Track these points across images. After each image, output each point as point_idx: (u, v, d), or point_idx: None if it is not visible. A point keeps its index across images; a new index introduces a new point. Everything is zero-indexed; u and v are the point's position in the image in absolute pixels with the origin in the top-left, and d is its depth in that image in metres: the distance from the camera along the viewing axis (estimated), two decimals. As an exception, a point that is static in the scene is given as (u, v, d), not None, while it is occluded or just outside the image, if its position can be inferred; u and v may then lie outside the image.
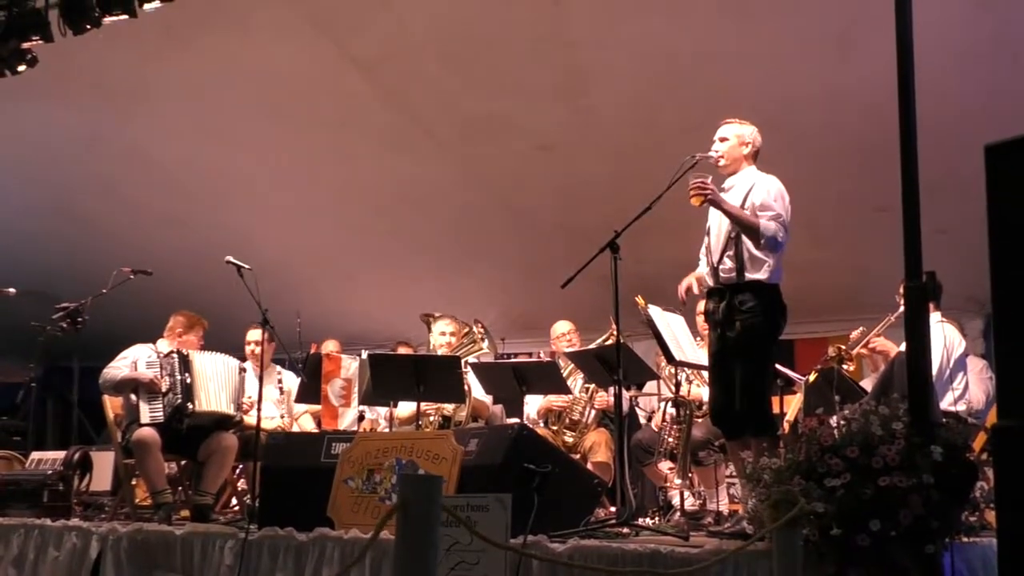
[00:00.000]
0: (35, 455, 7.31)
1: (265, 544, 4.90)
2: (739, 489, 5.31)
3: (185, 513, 6.28)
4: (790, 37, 6.49)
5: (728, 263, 4.77)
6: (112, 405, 6.50)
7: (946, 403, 5.62)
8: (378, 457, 4.95)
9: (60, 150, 8.50)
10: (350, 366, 6.74)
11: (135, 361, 6.25)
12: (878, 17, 4.45)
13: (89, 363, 7.11)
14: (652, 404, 6.83)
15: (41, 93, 7.56)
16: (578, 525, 4.62)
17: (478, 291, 9.23)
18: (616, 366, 5.27)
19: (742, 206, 4.73)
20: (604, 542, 4.28)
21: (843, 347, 6.23)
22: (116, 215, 9.20)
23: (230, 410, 6.32)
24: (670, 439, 6.08)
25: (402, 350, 8.01)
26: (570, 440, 6.59)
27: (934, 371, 4.48)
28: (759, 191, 4.75)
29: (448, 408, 6.64)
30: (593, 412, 6.66)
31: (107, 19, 6.21)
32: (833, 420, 3.86)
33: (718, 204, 4.69)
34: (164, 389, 6.15)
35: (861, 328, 6.39)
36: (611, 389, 6.04)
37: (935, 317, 5.61)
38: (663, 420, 6.22)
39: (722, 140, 4.93)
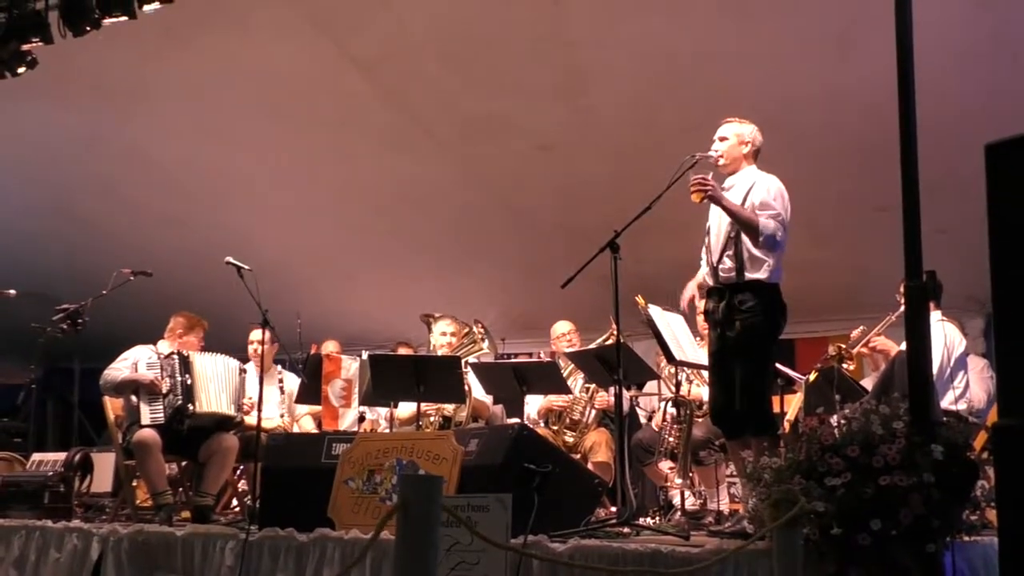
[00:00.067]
0: (36, 456, 7.32)
1: (266, 545, 4.90)
2: (740, 488, 5.31)
3: (186, 514, 6.28)
4: (790, 37, 6.49)
5: (728, 263, 4.77)
6: (113, 406, 6.50)
7: (947, 402, 5.63)
8: (378, 458, 4.94)
9: (60, 150, 8.50)
10: (350, 367, 6.74)
11: (135, 362, 6.25)
12: (878, 17, 4.44)
13: (89, 364, 7.13)
14: (652, 404, 6.83)
15: (41, 94, 7.56)
16: (578, 525, 4.62)
17: (478, 291, 9.23)
18: (616, 366, 5.27)
19: (742, 205, 4.73)
20: (605, 542, 4.28)
21: (843, 346, 6.23)
22: (116, 215, 9.20)
23: (231, 411, 6.32)
24: (670, 439, 6.08)
25: (402, 350, 8.02)
26: (570, 440, 6.59)
27: (935, 370, 4.48)
28: (759, 190, 4.75)
29: (448, 408, 6.64)
30: (593, 412, 6.66)
31: (107, 20, 6.21)
32: (834, 419, 3.86)
33: (718, 200, 4.68)
34: (165, 390, 6.15)
35: (862, 327, 6.39)
36: (611, 389, 6.04)
37: (935, 316, 5.61)
38: (663, 420, 6.22)
39: (722, 139, 4.93)
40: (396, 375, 6.03)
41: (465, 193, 8.39)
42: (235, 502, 7.19)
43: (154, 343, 6.47)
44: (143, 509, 6.39)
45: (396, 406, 6.67)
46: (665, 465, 6.17)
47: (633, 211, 4.89)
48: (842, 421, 3.80)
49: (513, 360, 7.59)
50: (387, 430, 6.64)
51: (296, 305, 7.41)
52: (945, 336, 5.87)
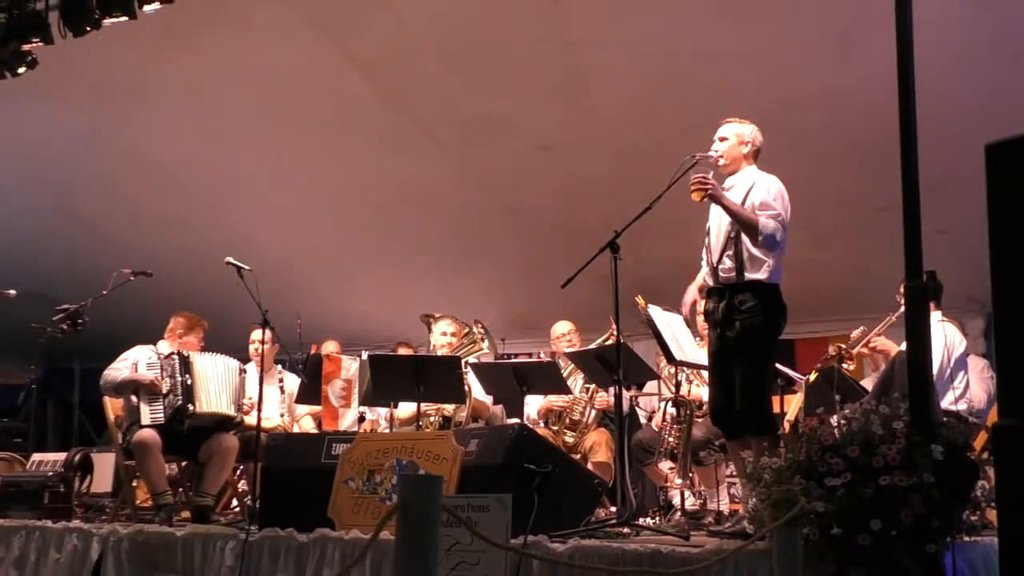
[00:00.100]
0: (36, 457, 7.32)
1: (266, 545, 4.90)
2: (739, 489, 5.31)
3: (186, 514, 6.28)
4: (790, 37, 6.49)
5: (728, 263, 4.77)
6: (113, 407, 6.50)
7: (947, 402, 5.62)
8: (378, 458, 4.94)
9: (60, 151, 8.50)
10: (350, 367, 6.74)
11: (136, 363, 6.25)
12: (878, 17, 4.44)
13: (90, 365, 7.13)
14: (652, 404, 6.83)
15: (41, 94, 7.56)
16: (578, 525, 4.62)
17: (478, 291, 9.23)
18: (616, 366, 5.27)
19: (742, 205, 4.73)
20: (605, 542, 4.28)
21: (843, 346, 6.23)
22: (116, 216, 9.20)
23: (231, 411, 6.32)
24: (670, 439, 6.08)
25: (402, 351, 8.02)
26: (570, 440, 6.59)
27: (935, 370, 4.48)
28: (759, 190, 4.75)
29: (448, 408, 6.64)
30: (593, 412, 6.66)
31: (107, 21, 6.21)
32: (834, 419, 3.86)
33: (718, 199, 4.68)
34: (165, 390, 6.15)
35: (862, 328, 6.39)
36: (611, 389, 6.04)
37: (936, 316, 5.61)
38: (663, 420, 6.22)
39: (722, 140, 4.93)
40: (396, 375, 6.03)
41: (465, 193, 8.39)
42: (235, 502, 7.19)
43: (154, 343, 6.47)
44: (143, 509, 6.40)
45: (396, 406, 6.67)
46: (665, 465, 6.17)
47: (633, 211, 4.89)
48: (842, 421, 3.80)
49: (513, 360, 7.59)
50: (387, 430, 6.64)
51: (296, 305, 7.41)
52: (945, 336, 5.87)
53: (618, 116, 7.36)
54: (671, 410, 6.12)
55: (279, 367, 7.32)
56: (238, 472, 7.05)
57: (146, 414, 6.10)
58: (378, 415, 7.15)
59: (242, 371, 6.46)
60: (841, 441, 3.65)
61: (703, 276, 5.04)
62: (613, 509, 5.51)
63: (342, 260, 9.50)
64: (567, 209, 8.24)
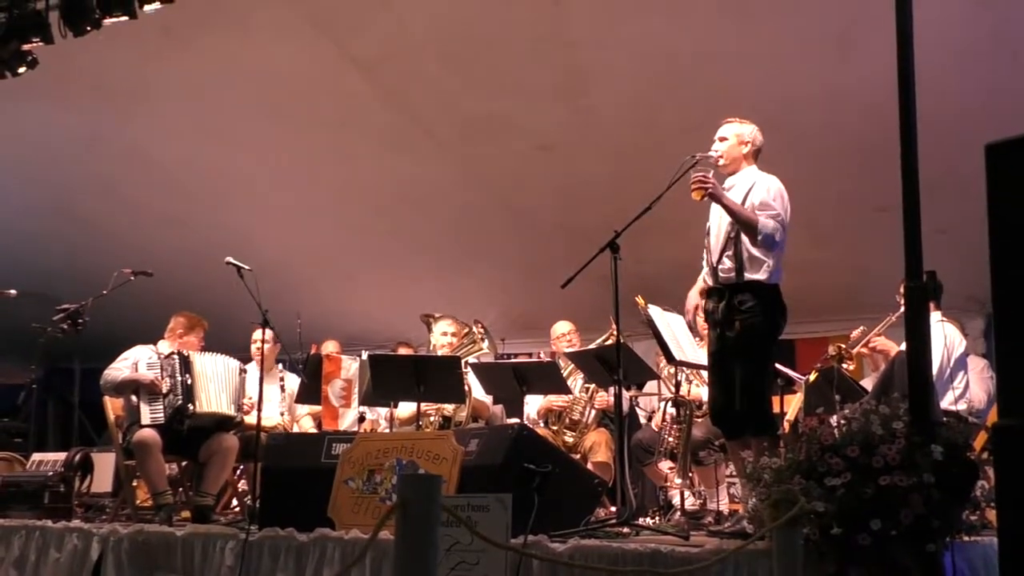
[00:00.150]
0: (36, 456, 7.32)
1: (266, 545, 4.90)
2: (739, 489, 5.31)
3: (186, 514, 6.28)
4: (790, 37, 6.49)
5: (727, 263, 4.77)
6: (113, 406, 6.50)
7: (947, 402, 5.62)
8: (378, 457, 4.95)
9: (60, 150, 8.50)
10: (350, 367, 6.74)
11: (136, 362, 6.26)
12: (878, 17, 4.45)
13: (90, 364, 7.13)
14: (652, 404, 6.83)
15: (41, 94, 7.57)
16: (578, 525, 4.62)
17: (478, 291, 9.23)
18: (616, 366, 5.27)
19: (742, 205, 4.73)
20: (604, 542, 4.28)
21: (843, 346, 6.23)
22: (116, 216, 9.20)
23: (231, 411, 6.32)
24: (670, 439, 6.08)
25: (402, 351, 8.02)
26: (570, 440, 6.59)
27: (935, 370, 4.48)
28: (759, 190, 4.75)
29: (448, 408, 6.65)
30: (593, 412, 6.66)
31: (107, 20, 6.21)
32: (833, 419, 3.86)
33: (718, 198, 4.69)
34: (165, 390, 6.15)
35: (862, 328, 6.39)
36: (611, 389, 6.05)
37: (935, 316, 5.61)
38: (663, 420, 6.22)
39: (721, 140, 4.93)
40: (396, 375, 6.03)
41: (465, 193, 8.39)
42: (235, 502, 7.19)
43: (154, 343, 6.47)
44: (143, 509, 6.40)
45: (396, 406, 6.67)
46: (665, 465, 6.17)
47: (633, 211, 4.89)
48: (842, 421, 3.80)
49: (513, 360, 7.59)
50: (387, 430, 6.64)
51: (296, 305, 7.41)
52: (945, 336, 5.87)
53: (618, 116, 7.36)
54: (671, 410, 6.12)
55: (280, 366, 7.32)
56: (238, 472, 7.05)
57: (146, 414, 6.10)
58: (378, 415, 7.15)
59: (242, 371, 6.46)
60: (841, 441, 3.65)
61: (703, 278, 5.04)
62: (613, 509, 5.51)
63: (342, 260, 9.50)
64: (567, 209, 8.24)
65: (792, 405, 6.14)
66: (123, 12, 6.18)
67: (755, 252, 4.69)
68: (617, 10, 6.60)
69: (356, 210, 8.83)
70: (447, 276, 9.34)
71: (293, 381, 7.18)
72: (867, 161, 6.75)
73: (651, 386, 6.75)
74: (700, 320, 5.69)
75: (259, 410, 5.92)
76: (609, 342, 5.88)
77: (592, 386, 6.57)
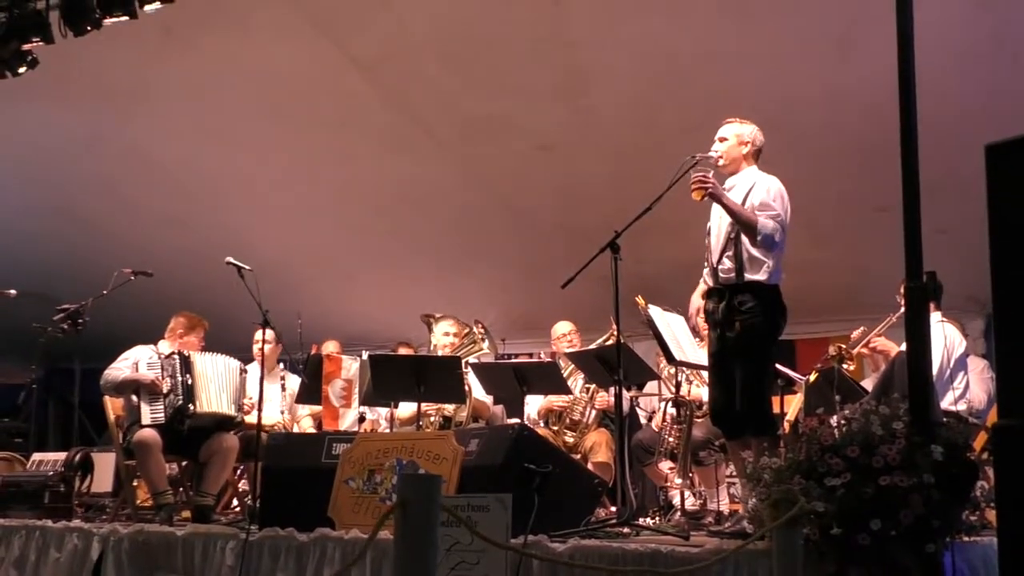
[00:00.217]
0: (36, 456, 7.32)
1: (266, 545, 4.90)
2: (739, 489, 5.31)
3: (186, 514, 6.28)
4: (790, 37, 6.49)
5: (727, 263, 4.77)
6: (113, 406, 6.50)
7: (947, 403, 5.63)
8: (379, 457, 4.95)
9: (60, 151, 8.50)
10: (351, 367, 6.75)
11: (136, 362, 6.26)
12: (878, 17, 4.45)
13: (90, 364, 7.13)
14: (652, 404, 6.83)
15: (41, 94, 7.57)
16: (579, 525, 4.62)
17: (478, 291, 9.23)
18: (616, 366, 5.27)
19: (742, 205, 4.73)
20: (605, 542, 4.28)
21: (844, 346, 6.23)
22: (116, 216, 9.20)
23: (231, 411, 6.33)
24: (670, 439, 6.09)
25: (403, 351, 8.02)
26: (571, 440, 6.59)
27: (935, 371, 4.48)
28: (759, 190, 4.75)
29: (449, 408, 6.65)
30: (594, 412, 6.66)
31: (107, 20, 6.22)
32: (833, 420, 3.86)
33: (719, 198, 4.69)
34: (165, 390, 6.15)
35: (862, 328, 6.39)
36: (611, 389, 6.05)
37: (936, 317, 5.61)
38: (663, 420, 6.22)
39: (722, 140, 4.93)
40: (396, 375, 6.04)
41: (465, 193, 8.39)
42: (235, 502, 7.19)
43: (155, 343, 6.47)
44: (143, 509, 6.40)
45: (396, 406, 6.67)
46: (665, 465, 6.17)
47: (633, 211, 4.89)
48: (842, 421, 3.80)
49: (513, 360, 7.60)
50: (387, 430, 6.64)
51: (296, 305, 7.42)
52: (945, 337, 5.87)
53: (618, 116, 7.36)
54: (671, 410, 6.12)
55: (281, 366, 7.32)
56: (238, 472, 7.05)
57: (147, 414, 6.10)
58: (378, 415, 7.16)
59: (243, 371, 6.46)
60: (841, 441, 3.65)
61: (704, 279, 5.04)
62: (613, 509, 5.51)
63: (342, 260, 9.50)
64: (567, 209, 8.24)
65: (792, 405, 6.15)
66: (123, 12, 6.18)
67: (755, 252, 4.69)
68: (617, 10, 6.60)
69: (356, 210, 8.83)
70: (447, 276, 9.34)
71: (294, 381, 7.18)
72: (867, 161, 6.75)
73: (651, 386, 6.75)
74: (700, 320, 5.70)
75: (259, 410, 5.92)
76: (609, 342, 5.88)
77: (592, 386, 6.57)
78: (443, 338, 6.79)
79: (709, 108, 5.59)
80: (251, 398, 6.37)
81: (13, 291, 7.84)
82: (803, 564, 3.44)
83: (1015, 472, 3.01)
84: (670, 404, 6.14)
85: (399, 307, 9.13)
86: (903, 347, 4.20)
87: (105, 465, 7.29)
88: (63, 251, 9.60)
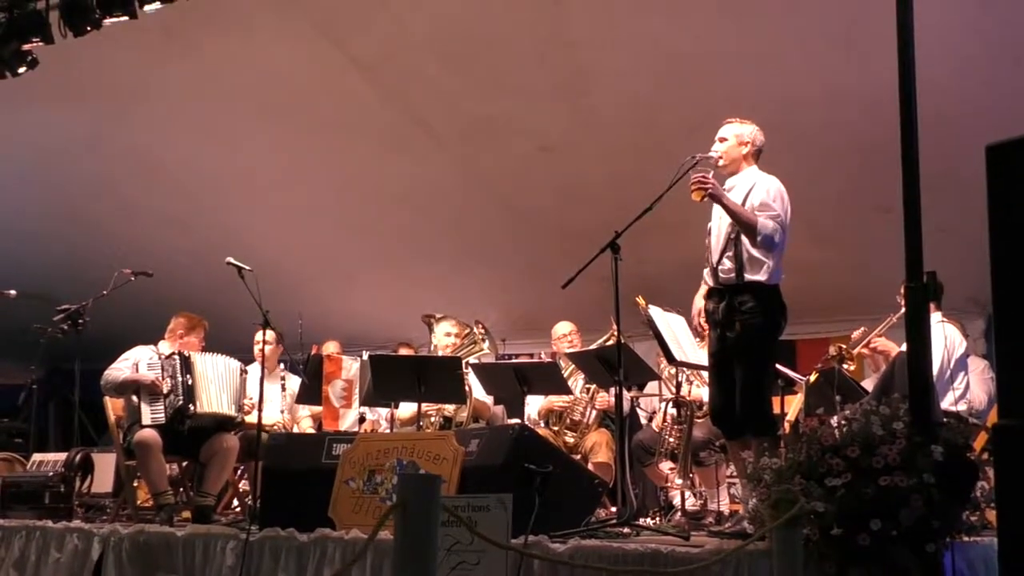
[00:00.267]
0: (37, 457, 7.32)
1: (266, 545, 4.90)
2: (740, 489, 5.31)
3: (187, 514, 6.28)
4: (791, 37, 6.49)
5: (727, 264, 4.77)
6: (113, 407, 6.50)
7: (947, 403, 5.63)
8: (379, 458, 4.95)
9: (61, 151, 8.50)
10: (351, 367, 6.75)
11: (136, 363, 6.25)
12: (879, 17, 4.45)
13: (90, 365, 7.12)
14: (653, 404, 6.83)
15: (41, 95, 7.57)
16: (579, 525, 4.62)
17: (479, 292, 9.23)
18: (617, 366, 5.27)
19: (743, 206, 4.73)
20: (605, 542, 4.28)
21: (844, 346, 6.23)
22: (116, 216, 9.20)
23: (231, 411, 6.33)
24: (671, 439, 6.09)
25: (403, 351, 8.03)
26: (571, 440, 6.59)
27: (935, 371, 4.48)
28: (759, 191, 4.75)
29: (449, 409, 6.65)
30: (594, 413, 6.65)
31: (107, 21, 6.22)
32: (834, 420, 3.86)
33: (718, 198, 4.68)
34: (165, 391, 6.15)
35: (862, 328, 6.39)
36: (612, 389, 6.05)
37: (936, 317, 5.61)
38: (664, 420, 6.22)
39: (722, 140, 4.93)
40: (397, 375, 6.04)
41: (465, 193, 8.39)
42: (236, 502, 7.20)
43: (155, 343, 6.47)
44: (144, 509, 6.40)
45: (397, 406, 6.67)
46: (665, 466, 6.17)
47: (633, 211, 4.89)
48: (842, 422, 3.80)
49: (514, 361, 7.60)
50: (388, 430, 6.64)
51: (297, 305, 7.42)
52: (946, 337, 5.87)
53: (618, 116, 7.36)
54: (671, 411, 6.12)
55: (282, 366, 7.32)
56: (239, 472, 7.05)
57: (147, 414, 6.10)
58: (379, 415, 7.16)
59: (243, 371, 6.46)
60: (841, 441, 3.65)
61: (706, 280, 5.04)
62: (613, 509, 5.51)
63: (342, 260, 9.50)
64: (567, 209, 8.23)
65: (793, 405, 6.15)
66: (123, 12, 6.18)
67: (755, 253, 4.68)
68: (617, 10, 6.60)
69: (356, 210, 8.83)
70: (448, 276, 9.34)
71: (294, 382, 7.18)
72: (868, 161, 6.75)
73: (652, 387, 6.75)
74: (703, 322, 5.70)
75: (260, 410, 5.92)
76: (610, 342, 5.88)
77: (593, 386, 6.56)
78: (445, 339, 6.79)
79: (709, 108, 5.59)
80: (251, 398, 6.37)
81: (13, 291, 7.85)
82: (803, 564, 3.44)
83: (1015, 472, 3.00)
84: (670, 404, 6.14)
85: (399, 307, 9.14)
86: (903, 347, 4.20)
87: (105, 465, 7.29)
88: (63, 251, 9.60)
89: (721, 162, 4.88)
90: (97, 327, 7.16)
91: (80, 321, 7.02)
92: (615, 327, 5.28)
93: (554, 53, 6.98)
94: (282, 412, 7.04)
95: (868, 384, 6.09)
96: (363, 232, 9.15)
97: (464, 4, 6.78)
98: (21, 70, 6.61)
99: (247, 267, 5.98)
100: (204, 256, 8.04)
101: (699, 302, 5.23)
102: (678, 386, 5.99)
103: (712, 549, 3.97)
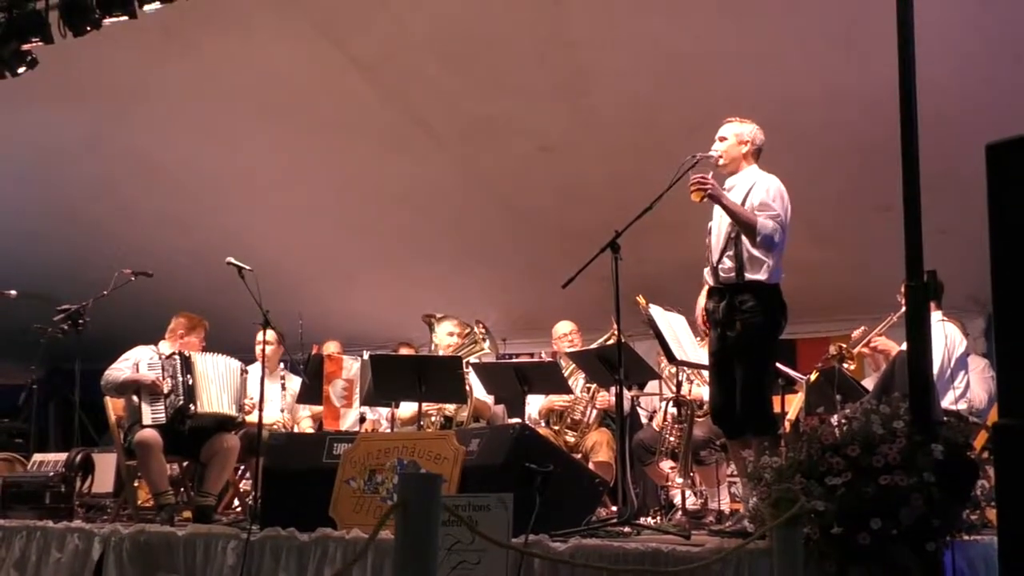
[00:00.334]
0: (37, 457, 7.32)
1: (267, 544, 4.90)
2: (740, 488, 5.32)
3: (187, 514, 6.28)
4: (791, 37, 6.49)
5: (728, 263, 4.78)
6: (114, 407, 6.50)
7: (947, 402, 5.63)
8: (380, 457, 4.95)
9: (60, 151, 8.51)
10: (352, 367, 6.76)
11: (137, 363, 6.25)
12: (879, 17, 4.45)
13: (91, 365, 7.12)
14: (653, 404, 6.84)
15: (41, 95, 7.57)
16: (580, 524, 4.62)
17: (479, 291, 9.23)
18: (617, 366, 5.27)
19: (742, 205, 4.73)
20: (605, 541, 4.28)
21: (844, 346, 6.23)
22: (116, 216, 9.20)
23: (232, 411, 6.33)
24: (671, 438, 6.09)
25: (404, 351, 8.02)
26: (572, 440, 6.59)
27: (935, 370, 4.48)
28: (759, 190, 4.75)
29: (450, 408, 6.65)
30: (594, 412, 6.66)
31: (107, 20, 6.22)
32: (834, 419, 3.86)
33: (718, 199, 4.69)
34: (166, 391, 6.15)
35: (863, 327, 6.39)
36: (612, 389, 6.05)
37: (936, 316, 5.61)
38: (664, 420, 6.23)
39: (721, 140, 4.93)
40: (397, 375, 6.04)
41: (466, 193, 8.39)
42: (237, 502, 7.20)
43: (155, 343, 6.47)
44: (144, 509, 6.40)
45: (397, 406, 6.67)
46: (666, 465, 6.18)
47: (634, 211, 4.90)
48: (843, 421, 3.80)
49: (514, 360, 7.60)
50: (388, 430, 6.64)
51: (297, 305, 7.42)
52: (946, 336, 5.87)
53: (618, 116, 7.36)
54: (672, 410, 6.13)
55: (282, 366, 7.32)
56: (239, 472, 7.05)
57: (147, 414, 6.10)
58: (379, 415, 7.16)
59: (243, 371, 6.46)
60: (842, 440, 3.66)
61: (705, 279, 5.04)
62: (614, 508, 5.51)
63: (342, 260, 9.50)
64: (567, 209, 8.23)
65: (793, 405, 6.15)
66: (123, 12, 6.18)
67: (755, 252, 4.68)
68: (617, 10, 6.60)
69: (356, 210, 8.83)
70: (448, 276, 9.34)
71: (295, 382, 7.19)
72: (868, 161, 6.75)
73: (652, 386, 6.75)
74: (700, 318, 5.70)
75: (260, 410, 5.92)
76: (610, 342, 5.89)
77: (593, 386, 6.57)
78: (446, 338, 6.79)
79: (709, 108, 5.59)
80: (252, 398, 6.37)
81: (14, 292, 7.85)
82: (804, 563, 3.44)
83: (1015, 471, 3.01)
84: (671, 403, 6.14)
85: (400, 307, 9.14)
86: (904, 346, 4.20)
87: (106, 465, 7.29)
88: (63, 252, 9.60)
89: (721, 161, 4.89)
90: (97, 327, 7.16)
91: (80, 321, 7.02)
92: (615, 326, 5.28)
93: (554, 53, 6.98)
94: (282, 412, 7.05)
95: (868, 383, 6.09)
96: (363, 232, 9.15)
97: (464, 4, 6.78)
98: (21, 70, 6.61)
99: (247, 267, 5.98)
100: (204, 256, 8.03)
101: (702, 303, 5.23)
102: (678, 385, 5.99)
103: (713, 548, 3.98)
